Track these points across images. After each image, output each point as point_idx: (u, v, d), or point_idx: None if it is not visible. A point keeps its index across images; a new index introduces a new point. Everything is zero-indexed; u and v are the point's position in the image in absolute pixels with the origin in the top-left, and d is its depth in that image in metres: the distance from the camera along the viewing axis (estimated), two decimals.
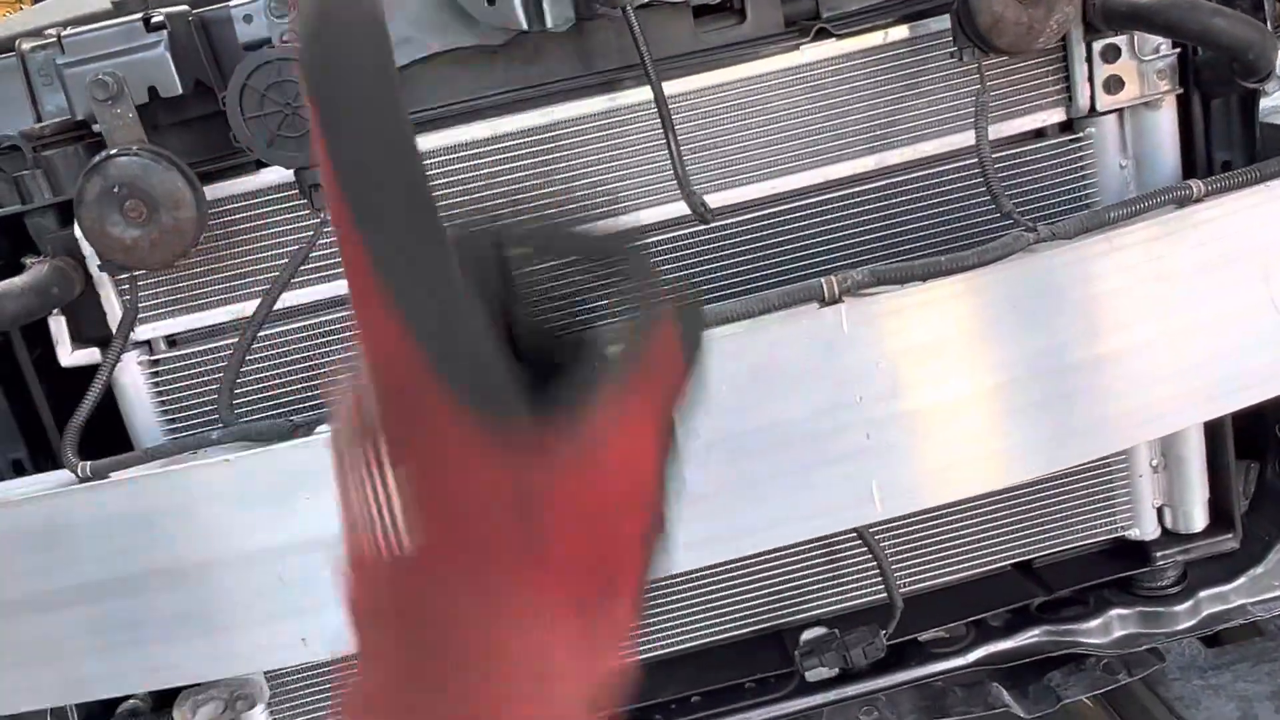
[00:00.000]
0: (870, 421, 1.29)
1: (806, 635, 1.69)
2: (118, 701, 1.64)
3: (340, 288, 1.53)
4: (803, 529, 1.37)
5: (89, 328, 1.51)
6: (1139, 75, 1.54)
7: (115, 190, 1.33)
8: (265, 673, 1.66)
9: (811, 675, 1.69)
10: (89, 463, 1.31)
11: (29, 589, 1.31)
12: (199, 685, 1.63)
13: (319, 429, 1.30)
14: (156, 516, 1.29)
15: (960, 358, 1.29)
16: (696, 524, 1.30)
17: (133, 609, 1.31)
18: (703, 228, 1.54)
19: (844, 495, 1.32)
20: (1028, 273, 1.28)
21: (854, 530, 1.59)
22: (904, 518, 1.72)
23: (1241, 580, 1.77)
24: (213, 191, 1.43)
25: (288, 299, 1.50)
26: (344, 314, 1.54)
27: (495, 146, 1.50)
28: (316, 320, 1.54)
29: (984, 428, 1.33)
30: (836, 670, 1.69)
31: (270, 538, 1.29)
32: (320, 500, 1.28)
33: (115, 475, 1.31)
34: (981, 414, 1.33)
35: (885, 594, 1.73)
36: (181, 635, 1.33)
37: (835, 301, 1.27)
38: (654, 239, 1.55)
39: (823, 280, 1.28)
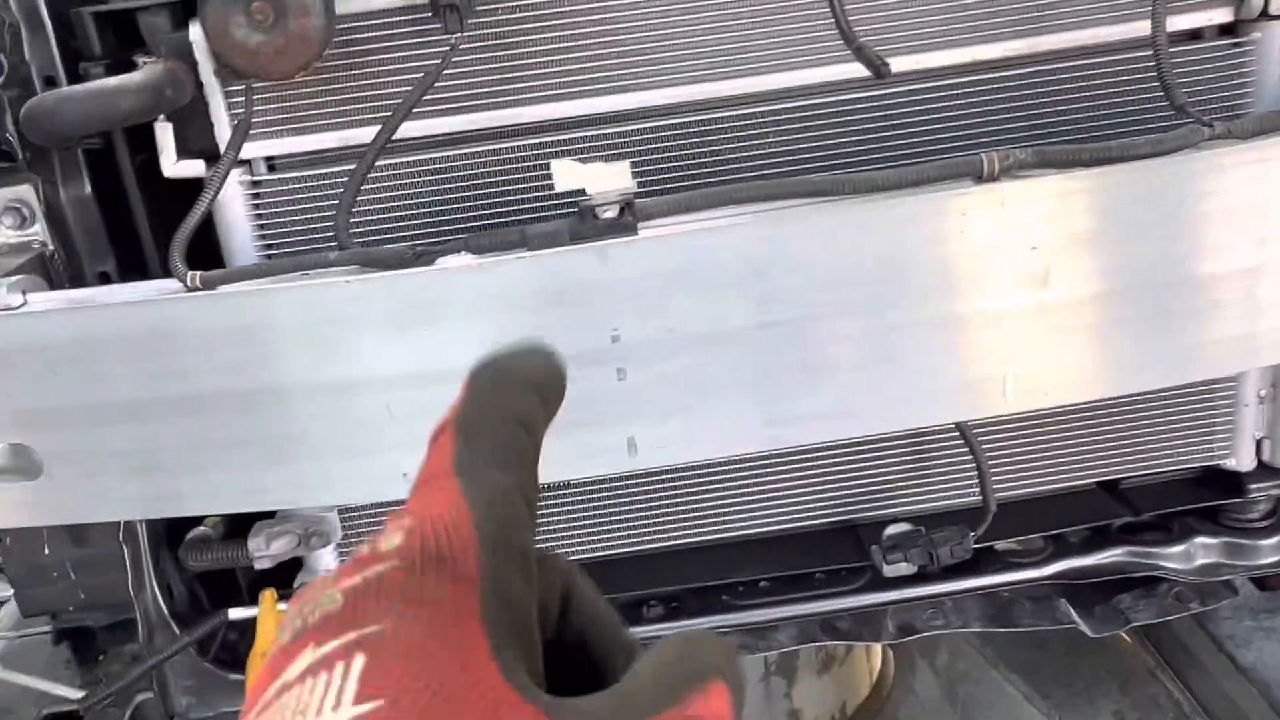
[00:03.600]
0: (1016, 309, 1.23)
1: (891, 530, 1.66)
2: (184, 530, 1.63)
3: (460, 123, 1.46)
4: (931, 414, 1.33)
5: (193, 139, 1.45)
6: None
7: None
8: (340, 513, 1.65)
9: (890, 570, 1.67)
10: (200, 272, 1.26)
11: (128, 396, 1.27)
12: (274, 518, 1.62)
13: (440, 260, 1.24)
14: (267, 333, 1.24)
15: (1116, 252, 1.23)
16: (819, 397, 1.26)
17: (233, 426, 1.28)
18: (838, 98, 1.47)
19: (977, 383, 1.27)
20: (1202, 168, 1.21)
21: (957, 425, 1.55)
22: (996, 423, 1.69)
23: None
24: (339, 4, 1.36)
25: (405, 129, 1.43)
26: (462, 151, 1.48)
27: None
28: (434, 155, 1.48)
29: (1124, 330, 1.28)
30: (917, 568, 1.67)
31: (382, 367, 1.25)
32: (437, 333, 1.24)
33: (226, 288, 1.26)
34: (1126, 315, 1.27)
35: (968, 499, 1.70)
36: (281, 458, 1.30)
37: (994, 179, 1.21)
38: (813, 101, 1.48)
39: (983, 155, 1.21)
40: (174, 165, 1.44)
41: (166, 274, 1.35)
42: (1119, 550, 1.76)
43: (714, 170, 1.48)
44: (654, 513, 1.73)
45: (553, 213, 1.42)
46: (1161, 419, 1.72)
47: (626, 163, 1.20)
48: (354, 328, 1.23)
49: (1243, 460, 1.73)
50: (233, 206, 1.49)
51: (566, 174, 1.20)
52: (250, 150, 1.47)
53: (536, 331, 1.22)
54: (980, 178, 1.22)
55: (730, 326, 1.22)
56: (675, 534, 1.74)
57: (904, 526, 1.67)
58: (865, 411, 1.26)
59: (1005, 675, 2.61)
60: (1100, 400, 1.67)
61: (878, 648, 3.36)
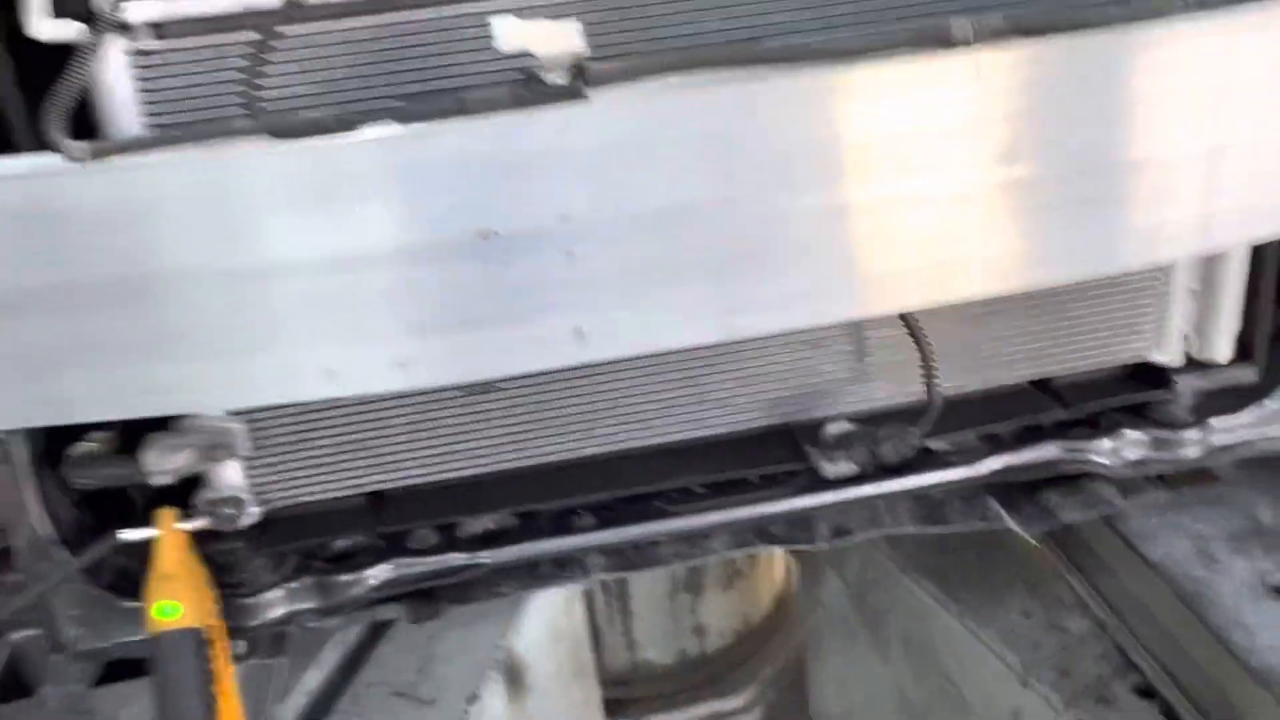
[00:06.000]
0: (977, 187, 1.18)
1: (831, 429, 1.62)
2: (66, 441, 1.47)
3: None
4: (878, 303, 1.27)
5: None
6: None
7: None
8: (248, 421, 1.51)
9: (832, 471, 1.62)
10: (87, 143, 1.10)
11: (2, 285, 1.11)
12: (170, 429, 1.47)
13: (366, 129, 1.11)
14: (166, 212, 1.09)
15: (1085, 123, 1.18)
16: (781, 281, 1.18)
17: (128, 319, 1.13)
18: None
19: (929, 267, 1.22)
20: (1174, 38, 1.16)
21: (902, 316, 1.50)
22: (929, 320, 1.64)
23: (1253, 412, 1.76)
24: None
25: None
26: (386, 20, 1.33)
27: None
28: (353, 24, 1.32)
29: (1088, 210, 1.24)
30: (858, 468, 1.63)
31: (297, 250, 1.11)
32: (360, 211, 1.11)
33: (119, 159, 1.10)
34: (1088, 193, 1.23)
35: (904, 399, 1.67)
36: (182, 355, 1.16)
37: (966, 44, 1.14)
38: None
39: (952, 21, 1.14)
40: (41, 24, 1.25)
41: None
42: (1051, 446, 1.76)
43: (673, 36, 1.36)
44: (585, 416, 1.64)
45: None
46: (1091, 313, 1.71)
47: (576, 21, 1.09)
48: (266, 205, 1.10)
49: (1170, 354, 1.74)
50: (117, 81, 1.31)
51: (510, 33, 1.08)
52: (135, 12, 1.29)
53: (475, 209, 1.11)
54: (951, 44, 1.14)
55: (690, 203, 1.13)
56: (607, 439, 1.66)
57: (844, 425, 1.62)
58: (828, 296, 1.19)
59: (915, 580, 2.63)
60: (1033, 293, 1.64)
61: (781, 562, 3.39)
